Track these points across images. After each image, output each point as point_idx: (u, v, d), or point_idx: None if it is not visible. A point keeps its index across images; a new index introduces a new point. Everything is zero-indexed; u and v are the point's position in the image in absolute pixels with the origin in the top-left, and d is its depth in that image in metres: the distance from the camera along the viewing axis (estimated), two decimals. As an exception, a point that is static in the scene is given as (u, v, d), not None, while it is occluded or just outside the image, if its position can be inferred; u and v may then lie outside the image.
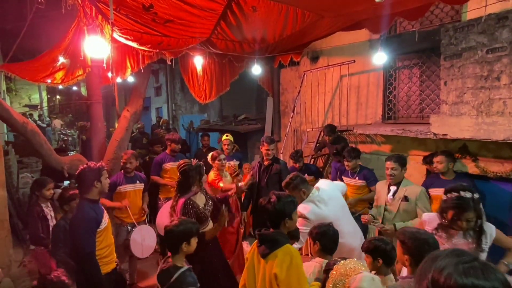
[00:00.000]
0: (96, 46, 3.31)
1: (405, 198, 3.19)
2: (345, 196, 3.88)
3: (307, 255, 3.86)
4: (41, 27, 4.69)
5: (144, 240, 3.83)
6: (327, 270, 2.03)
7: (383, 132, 4.69)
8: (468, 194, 2.22)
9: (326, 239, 2.38)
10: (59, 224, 3.37)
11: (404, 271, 2.37)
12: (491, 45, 3.36)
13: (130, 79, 4.92)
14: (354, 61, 5.23)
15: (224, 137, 5.11)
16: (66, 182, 5.22)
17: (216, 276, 2.91)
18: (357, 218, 3.34)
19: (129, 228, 3.95)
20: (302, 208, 2.77)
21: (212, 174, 4.21)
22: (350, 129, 5.34)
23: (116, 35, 3.44)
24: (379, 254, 2.16)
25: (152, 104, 13.73)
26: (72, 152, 10.19)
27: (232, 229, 4.07)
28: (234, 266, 3.84)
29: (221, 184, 4.07)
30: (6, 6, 5.15)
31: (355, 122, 5.54)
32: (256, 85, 8.32)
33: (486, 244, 2.26)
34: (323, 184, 3.12)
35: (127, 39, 3.57)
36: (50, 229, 3.58)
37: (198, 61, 5.07)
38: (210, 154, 4.25)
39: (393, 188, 3.31)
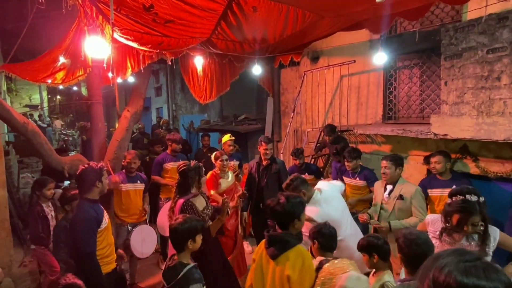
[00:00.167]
0: (97, 46, 3.31)
1: (401, 197, 3.20)
2: (345, 195, 3.89)
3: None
4: (42, 28, 4.69)
5: (144, 240, 3.84)
6: (318, 268, 2.05)
7: (383, 132, 4.69)
8: (474, 197, 2.15)
9: (323, 236, 2.37)
10: (60, 225, 3.38)
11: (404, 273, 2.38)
12: (492, 45, 3.36)
13: (131, 79, 4.91)
14: (355, 61, 5.24)
15: (228, 137, 5.11)
16: (67, 182, 5.23)
17: (216, 275, 2.91)
18: (357, 219, 3.34)
19: (130, 228, 3.96)
20: (309, 211, 2.64)
21: (208, 175, 4.17)
22: (351, 129, 5.34)
23: (117, 35, 3.44)
24: (373, 250, 2.20)
25: (152, 104, 13.74)
26: (72, 152, 10.21)
27: (228, 232, 4.03)
28: (233, 267, 3.83)
29: (212, 192, 3.99)
30: (7, 6, 5.15)
31: (356, 122, 5.54)
32: (256, 85, 8.32)
33: (490, 248, 2.20)
34: (323, 185, 3.12)
35: (127, 39, 3.57)
36: (51, 228, 3.60)
37: (199, 61, 5.07)
38: (213, 154, 4.25)
39: (389, 187, 3.32)
